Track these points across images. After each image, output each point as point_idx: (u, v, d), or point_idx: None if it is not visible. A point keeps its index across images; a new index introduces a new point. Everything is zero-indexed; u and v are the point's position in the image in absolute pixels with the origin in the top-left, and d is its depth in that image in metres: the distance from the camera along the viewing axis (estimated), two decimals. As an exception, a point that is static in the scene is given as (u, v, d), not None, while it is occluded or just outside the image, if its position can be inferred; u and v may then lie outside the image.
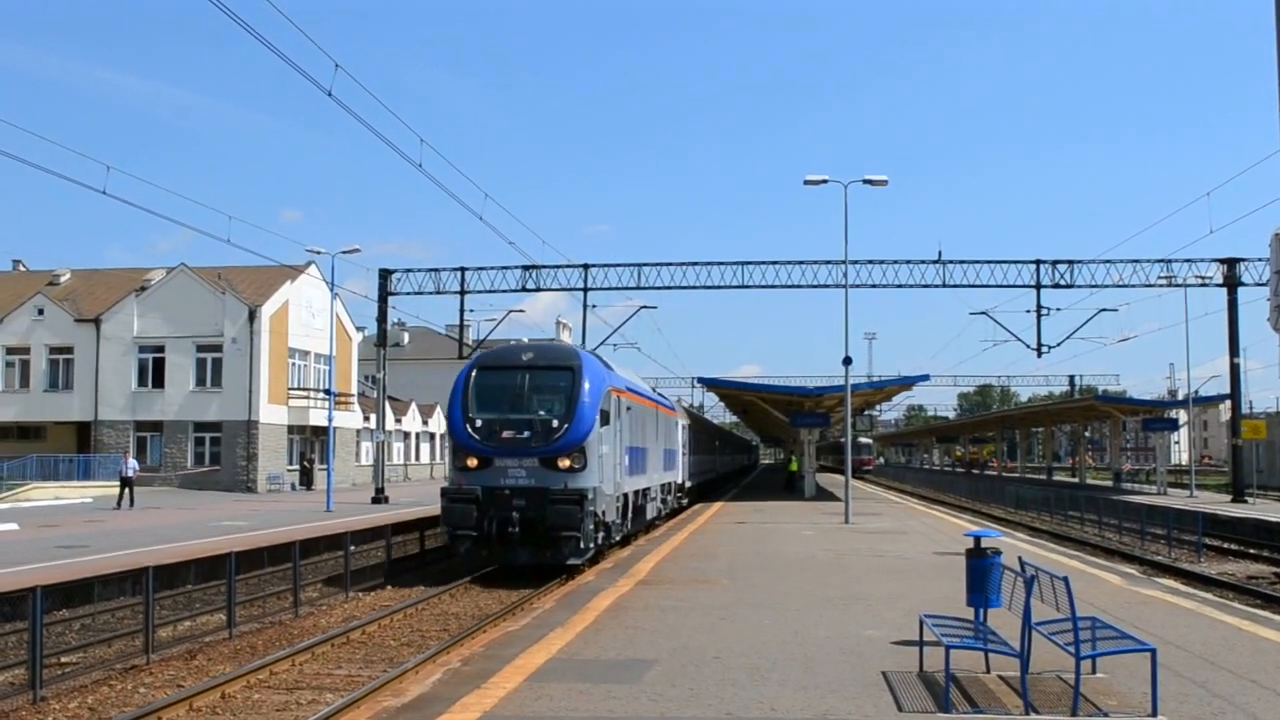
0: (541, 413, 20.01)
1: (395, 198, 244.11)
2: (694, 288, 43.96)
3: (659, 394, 33.70)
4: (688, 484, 39.18)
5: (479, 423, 19.96)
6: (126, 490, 35.52)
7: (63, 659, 13.50)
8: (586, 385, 20.07)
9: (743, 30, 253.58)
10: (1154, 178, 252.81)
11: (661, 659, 10.31)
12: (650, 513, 27.77)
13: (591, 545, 19.81)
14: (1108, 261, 43.05)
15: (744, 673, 9.68)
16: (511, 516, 19.28)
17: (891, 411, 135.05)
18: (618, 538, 22.66)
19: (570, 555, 19.42)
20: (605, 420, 20.51)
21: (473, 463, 19.85)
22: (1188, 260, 42.77)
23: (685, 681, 9.33)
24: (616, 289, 44.16)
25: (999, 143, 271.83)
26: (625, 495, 23.03)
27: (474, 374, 20.80)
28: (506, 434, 19.79)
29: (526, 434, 19.75)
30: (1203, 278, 42.64)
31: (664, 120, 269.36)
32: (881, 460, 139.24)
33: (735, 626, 12.22)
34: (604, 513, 20.43)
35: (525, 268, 43.31)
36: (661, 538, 24.83)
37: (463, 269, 43.83)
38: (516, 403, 20.18)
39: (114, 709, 11.34)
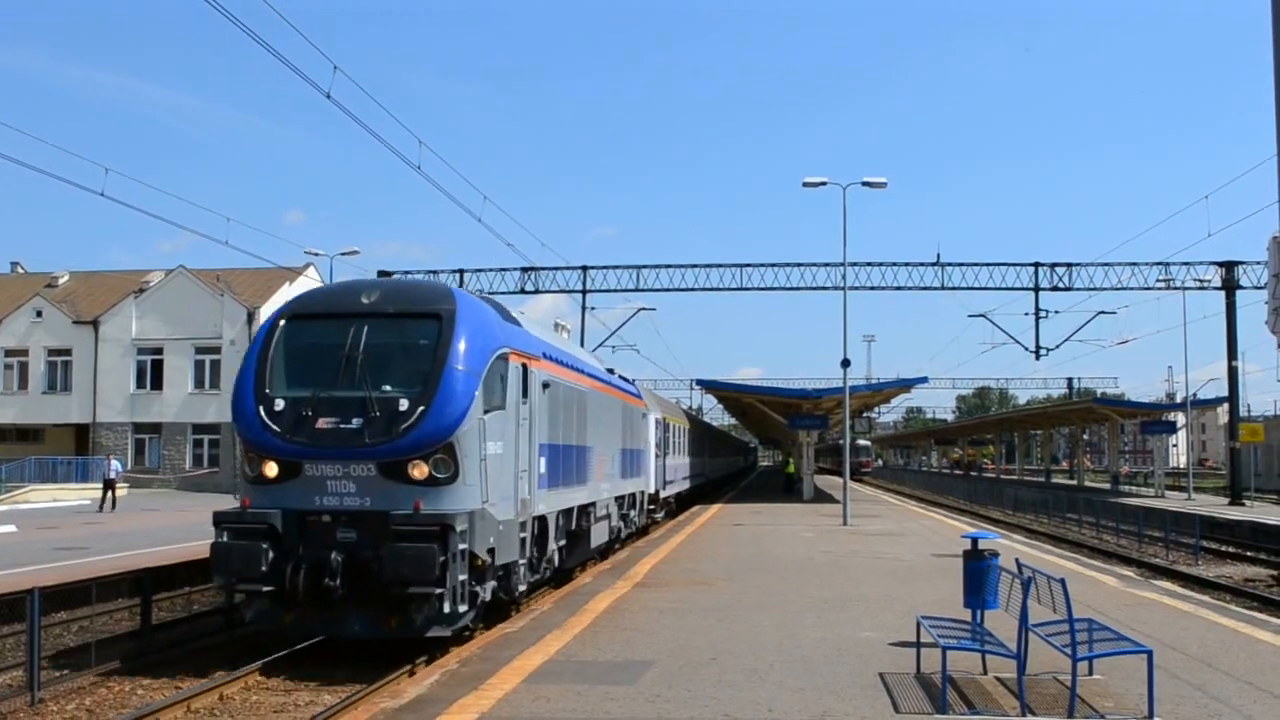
0: (386, 387, 12.44)
1: (396, 199, 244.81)
2: (693, 290, 44.10)
3: (620, 377, 25.90)
4: (664, 493, 32.35)
5: (280, 405, 12.56)
6: (109, 493, 35.40)
7: (61, 661, 13.50)
8: (462, 345, 12.63)
9: (744, 32, 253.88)
10: (1152, 181, 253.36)
11: (659, 660, 10.32)
12: (598, 537, 20.30)
13: (465, 606, 12.22)
14: (1106, 264, 43.22)
15: (741, 674, 9.70)
16: (331, 560, 11.92)
17: (890, 414, 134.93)
18: (523, 587, 14.61)
19: (431, 623, 11.98)
20: (497, 401, 13.18)
21: (270, 470, 12.58)
22: (1186, 263, 42.97)
23: (682, 683, 9.35)
24: (616, 291, 44.33)
25: (997, 146, 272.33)
26: (542, 519, 15.49)
27: (280, 326, 13.34)
28: (325, 423, 12.36)
29: (357, 423, 12.30)
30: (1201, 281, 42.75)
31: (664, 121, 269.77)
32: (880, 462, 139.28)
33: (733, 628, 12.23)
34: (494, 550, 12.89)
35: (524, 270, 43.41)
36: (659, 540, 24.82)
37: (461, 271, 43.93)
38: (345, 372, 12.62)
39: (112, 710, 11.35)
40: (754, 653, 10.70)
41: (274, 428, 12.62)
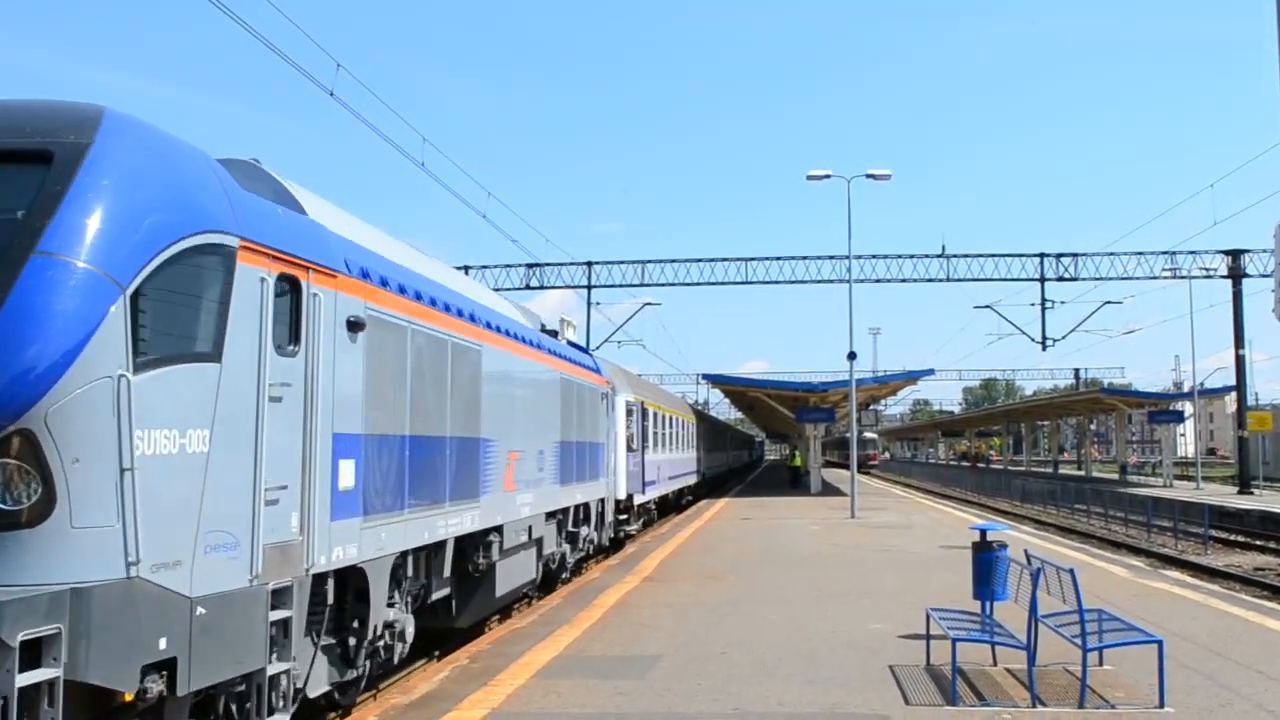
0: None
1: (400, 196, 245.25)
2: (698, 284, 44.21)
3: (570, 343, 19.42)
4: (642, 498, 26.54)
5: None
6: None
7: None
8: (94, 216, 5.91)
9: (744, 22, 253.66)
10: (1158, 169, 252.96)
11: (668, 654, 10.32)
12: (514, 576, 13.81)
13: None
14: (1112, 254, 43.17)
15: (750, 667, 9.70)
16: None
17: (897, 406, 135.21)
18: (287, 715, 7.39)
19: None
20: (188, 341, 6.47)
21: None
22: (1192, 252, 42.95)
23: (692, 676, 9.35)
24: (621, 286, 44.46)
25: (1000, 133, 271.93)
26: (350, 576, 8.68)
27: None
28: None
29: None
30: (1207, 270, 42.69)
31: (664, 116, 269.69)
32: (887, 455, 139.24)
33: (741, 621, 12.23)
34: (177, 664, 6.12)
35: (529, 266, 43.44)
36: (666, 535, 24.84)
37: (466, 267, 43.88)
38: None
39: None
40: (763, 646, 10.70)
41: None
